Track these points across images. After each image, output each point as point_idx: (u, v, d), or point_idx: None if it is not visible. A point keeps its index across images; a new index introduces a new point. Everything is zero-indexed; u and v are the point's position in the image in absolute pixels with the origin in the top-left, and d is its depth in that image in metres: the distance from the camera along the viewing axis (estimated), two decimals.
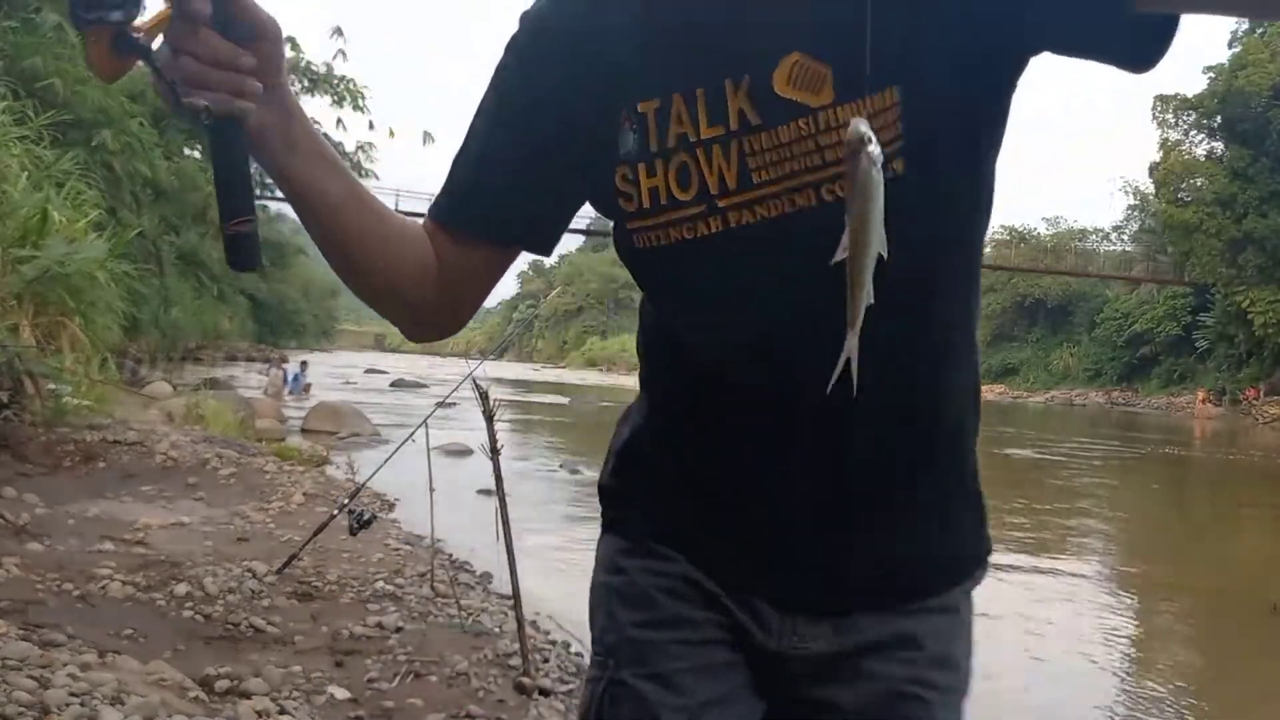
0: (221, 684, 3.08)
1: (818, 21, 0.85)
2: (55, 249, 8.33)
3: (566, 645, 4.57)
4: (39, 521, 4.95)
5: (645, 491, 1.09)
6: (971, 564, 1.07)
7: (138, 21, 0.76)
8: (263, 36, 0.81)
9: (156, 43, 0.77)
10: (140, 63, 0.77)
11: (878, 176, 0.76)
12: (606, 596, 1.08)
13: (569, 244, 73.61)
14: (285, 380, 19.11)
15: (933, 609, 1.03)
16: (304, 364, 22.17)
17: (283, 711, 2.95)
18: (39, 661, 2.72)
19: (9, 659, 2.69)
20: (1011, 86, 0.89)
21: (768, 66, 0.86)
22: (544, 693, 3.60)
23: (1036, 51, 0.86)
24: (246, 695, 3.02)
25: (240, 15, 0.79)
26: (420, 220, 1.01)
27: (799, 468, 0.96)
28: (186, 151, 29.31)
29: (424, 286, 0.98)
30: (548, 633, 4.73)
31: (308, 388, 19.76)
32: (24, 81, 16.99)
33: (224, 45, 0.78)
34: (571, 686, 3.87)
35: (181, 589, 4.00)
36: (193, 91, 0.78)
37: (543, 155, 0.95)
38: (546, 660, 4.07)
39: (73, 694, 2.53)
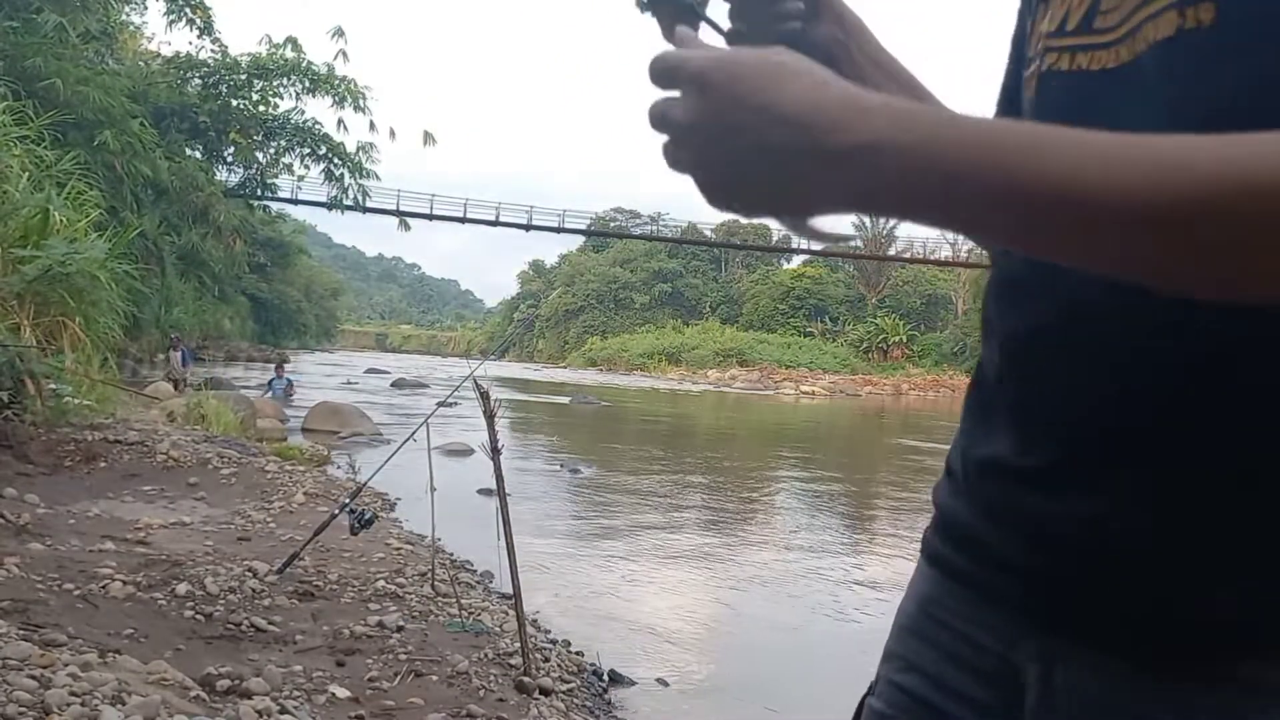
0: (222, 683, 3.08)
1: None
2: (56, 249, 8.35)
3: (567, 644, 4.58)
4: (40, 521, 4.95)
5: None
6: None
7: None
8: None
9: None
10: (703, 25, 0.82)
11: None
12: None
13: (569, 244, 73.61)
14: (271, 388, 17.10)
15: None
16: (280, 365, 19.20)
17: (284, 711, 2.95)
18: (40, 661, 2.72)
19: (10, 659, 2.69)
20: None
21: None
22: (544, 692, 3.60)
23: None
24: (247, 695, 3.02)
25: None
26: None
27: None
28: (188, 151, 29.34)
29: None
30: (548, 631, 4.73)
31: (289, 388, 17.40)
32: (25, 81, 17.01)
33: None
34: (572, 685, 3.88)
35: (182, 588, 4.00)
36: (742, 28, 0.80)
37: None
38: (547, 659, 4.07)
39: (73, 694, 2.53)
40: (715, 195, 0.56)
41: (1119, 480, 0.65)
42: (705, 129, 0.54)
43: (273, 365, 20.35)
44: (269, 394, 16.47)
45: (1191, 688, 0.64)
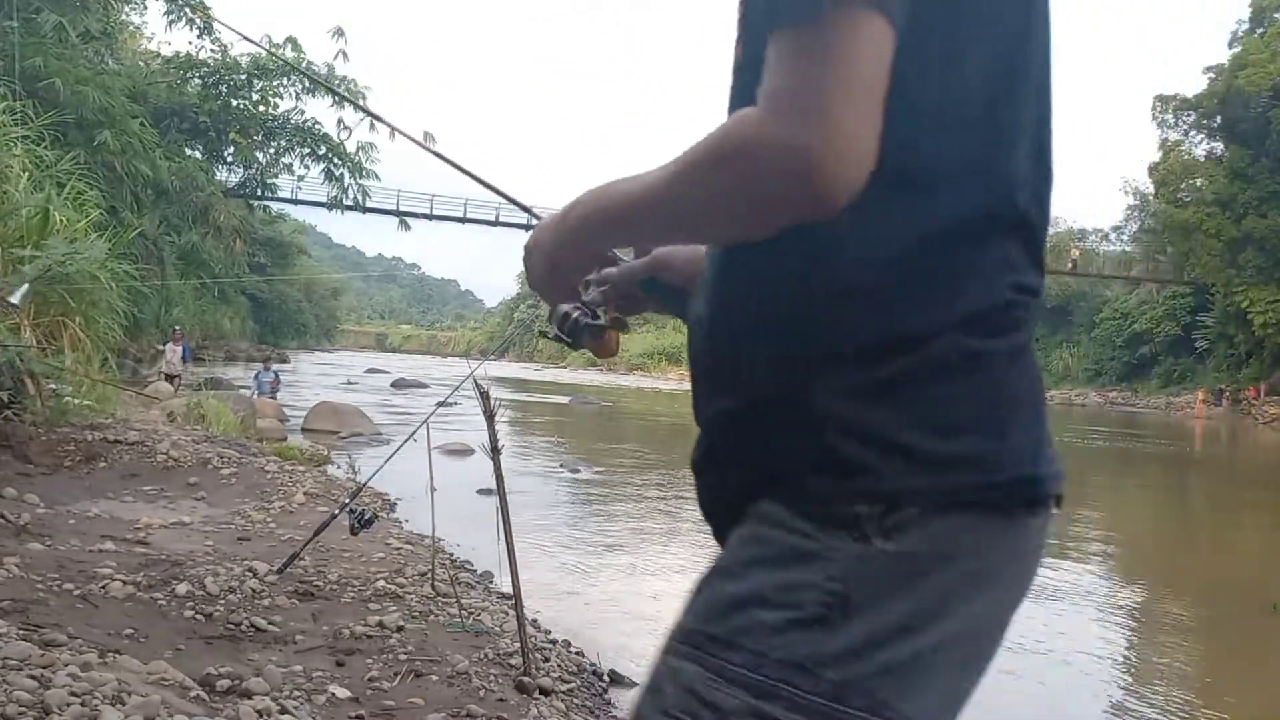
0: (222, 683, 3.08)
1: None
2: (56, 249, 8.35)
3: (567, 644, 4.58)
4: (40, 521, 4.95)
5: None
6: None
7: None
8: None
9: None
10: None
11: None
12: None
13: None
14: (258, 386, 16.58)
15: None
16: (267, 361, 20.17)
17: (284, 711, 2.95)
18: (40, 661, 2.73)
19: (10, 659, 2.70)
20: None
21: None
22: (544, 692, 3.60)
23: None
24: (247, 695, 3.02)
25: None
26: None
27: None
28: (188, 151, 29.32)
29: None
30: (548, 631, 4.73)
31: (275, 380, 16.81)
32: (25, 81, 17.00)
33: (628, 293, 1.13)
34: (572, 685, 3.88)
35: (182, 588, 4.00)
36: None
37: None
38: (547, 659, 4.07)
39: (73, 694, 2.53)
40: (541, 288, 1.04)
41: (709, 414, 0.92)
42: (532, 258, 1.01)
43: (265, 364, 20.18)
44: (255, 391, 15.86)
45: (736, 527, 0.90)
